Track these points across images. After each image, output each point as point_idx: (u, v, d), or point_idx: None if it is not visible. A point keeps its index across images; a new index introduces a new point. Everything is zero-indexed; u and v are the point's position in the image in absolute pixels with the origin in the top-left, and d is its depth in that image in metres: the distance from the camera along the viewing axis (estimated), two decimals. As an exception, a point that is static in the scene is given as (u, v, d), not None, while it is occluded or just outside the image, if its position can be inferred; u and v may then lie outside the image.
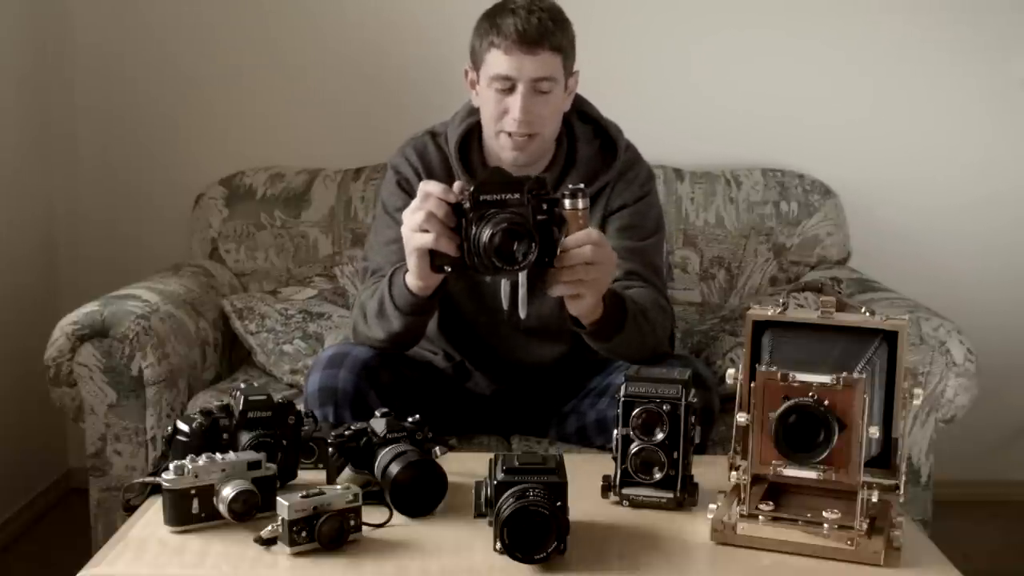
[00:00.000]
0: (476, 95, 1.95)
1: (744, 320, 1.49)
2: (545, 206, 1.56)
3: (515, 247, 1.53)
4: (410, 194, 1.94)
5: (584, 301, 1.66)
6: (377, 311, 1.82)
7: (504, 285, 1.94)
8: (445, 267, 1.61)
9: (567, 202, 1.59)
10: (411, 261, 1.65)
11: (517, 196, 1.54)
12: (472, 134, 1.99)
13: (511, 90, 1.86)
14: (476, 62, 1.92)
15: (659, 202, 2.08)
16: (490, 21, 1.87)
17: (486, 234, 1.53)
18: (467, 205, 1.55)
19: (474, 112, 1.97)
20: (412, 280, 1.70)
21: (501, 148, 1.92)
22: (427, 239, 1.58)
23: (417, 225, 1.58)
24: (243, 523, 1.42)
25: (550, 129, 1.93)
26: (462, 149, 1.98)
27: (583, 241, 1.58)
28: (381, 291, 1.81)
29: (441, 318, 2.03)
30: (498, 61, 1.86)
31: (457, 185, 1.60)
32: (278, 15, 2.90)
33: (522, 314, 1.91)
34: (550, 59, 1.85)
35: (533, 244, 1.53)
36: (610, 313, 1.74)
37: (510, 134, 1.89)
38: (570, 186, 1.61)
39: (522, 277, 1.92)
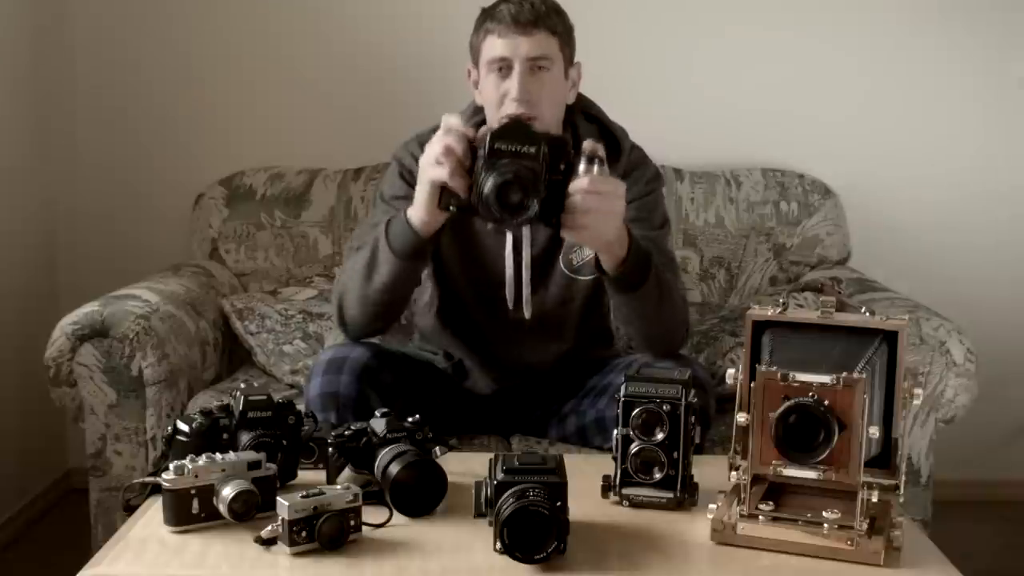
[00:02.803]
0: (479, 93, 1.94)
1: (744, 320, 1.49)
2: (563, 166, 1.60)
3: (517, 198, 1.56)
4: (410, 184, 1.94)
5: (585, 238, 1.69)
6: (367, 261, 1.81)
7: (508, 282, 1.94)
8: (451, 206, 1.64)
9: (582, 167, 1.62)
10: (421, 192, 1.68)
11: (533, 150, 1.57)
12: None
13: (508, 71, 1.86)
14: (475, 56, 1.92)
15: (664, 202, 2.08)
16: (485, 14, 1.89)
17: (491, 181, 1.56)
18: (482, 151, 1.58)
19: (478, 111, 1.97)
20: (416, 213, 1.71)
21: None
22: (442, 173, 1.62)
23: (434, 157, 1.62)
24: (243, 523, 1.42)
25: (550, 113, 1.91)
26: None
27: (575, 189, 1.61)
28: (375, 238, 1.80)
29: (443, 316, 2.03)
30: (494, 45, 1.86)
31: (483, 129, 1.63)
32: (278, 15, 2.90)
33: (526, 314, 1.92)
34: (545, 39, 1.85)
35: (535, 199, 1.56)
36: (636, 260, 1.75)
37: None
38: (587, 151, 1.63)
39: (526, 275, 1.93)
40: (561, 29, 1.89)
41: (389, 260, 1.78)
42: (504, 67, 1.86)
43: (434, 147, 1.63)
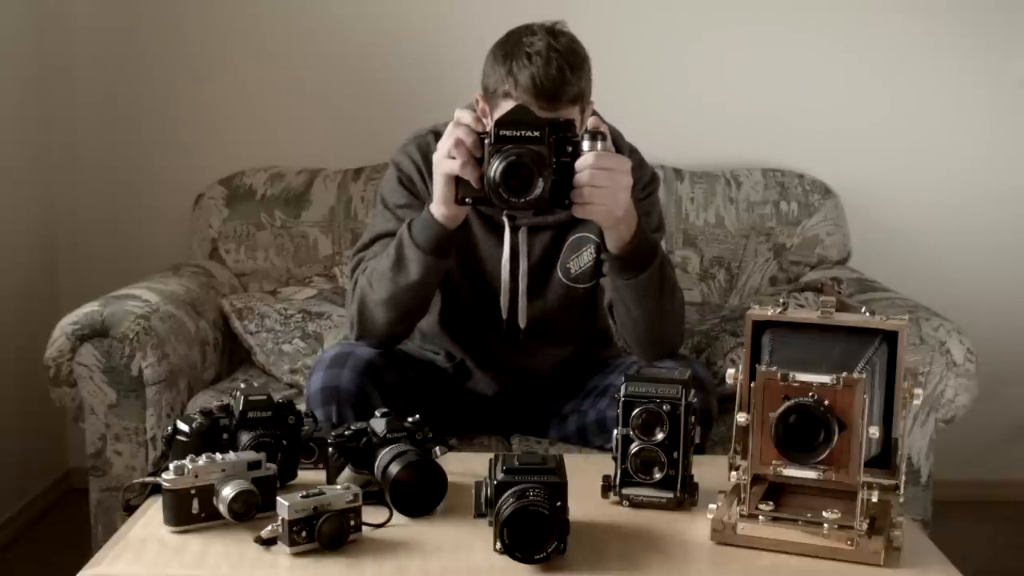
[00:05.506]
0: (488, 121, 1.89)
1: (744, 320, 1.49)
2: (570, 148, 1.64)
3: (522, 179, 1.60)
4: (411, 191, 1.94)
5: (595, 213, 1.70)
6: (393, 262, 1.80)
7: (504, 291, 1.94)
8: (467, 199, 1.68)
9: (586, 144, 1.65)
10: (438, 186, 1.71)
11: (537, 134, 1.61)
12: None
13: None
14: (489, 101, 1.84)
15: (660, 207, 2.08)
16: (506, 66, 1.78)
17: (496, 164, 1.60)
18: (488, 141, 1.62)
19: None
20: (437, 208, 1.73)
21: None
22: (453, 165, 1.66)
23: (446, 151, 1.66)
24: (243, 523, 1.42)
25: None
26: None
27: (582, 166, 1.64)
28: (399, 238, 1.81)
29: (445, 319, 2.03)
30: None
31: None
32: (278, 16, 2.90)
33: (521, 323, 1.92)
34: (567, 111, 1.78)
35: (542, 179, 1.60)
36: (643, 240, 1.77)
37: None
38: (589, 128, 1.67)
39: (522, 285, 1.93)
40: (584, 87, 1.81)
41: (417, 257, 1.78)
42: None
43: (446, 142, 1.66)
